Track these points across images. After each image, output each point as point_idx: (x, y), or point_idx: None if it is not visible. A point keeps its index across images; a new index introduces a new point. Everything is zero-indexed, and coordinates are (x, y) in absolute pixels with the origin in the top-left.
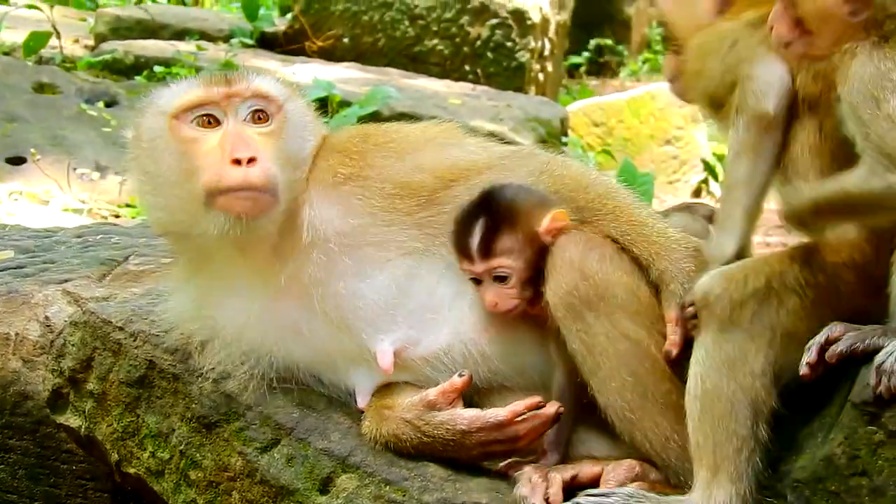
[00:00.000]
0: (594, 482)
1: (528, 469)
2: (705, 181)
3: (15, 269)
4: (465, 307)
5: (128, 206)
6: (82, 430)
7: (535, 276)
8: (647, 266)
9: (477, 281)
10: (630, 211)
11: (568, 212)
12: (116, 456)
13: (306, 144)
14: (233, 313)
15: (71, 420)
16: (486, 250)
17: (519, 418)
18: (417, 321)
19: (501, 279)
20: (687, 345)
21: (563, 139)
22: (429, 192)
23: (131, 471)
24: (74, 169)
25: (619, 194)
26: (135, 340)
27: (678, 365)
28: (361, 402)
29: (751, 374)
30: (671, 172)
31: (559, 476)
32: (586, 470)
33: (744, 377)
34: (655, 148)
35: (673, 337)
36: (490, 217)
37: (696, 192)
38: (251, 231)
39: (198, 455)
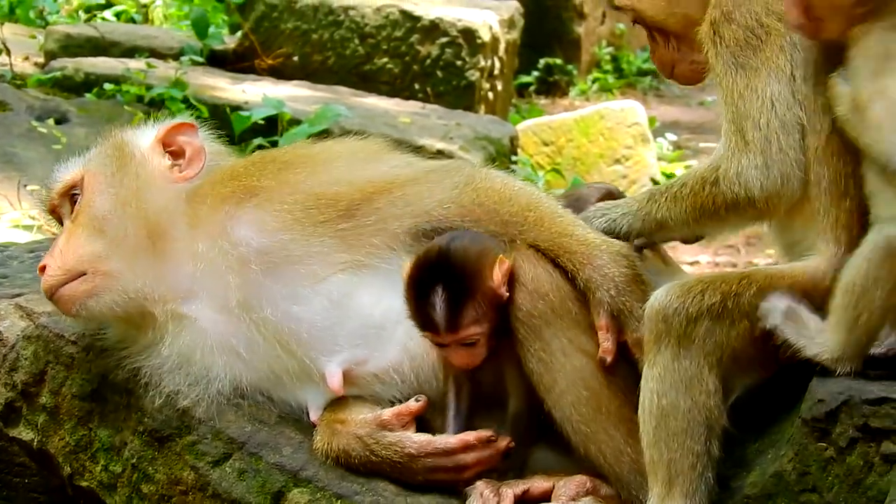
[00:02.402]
0: (545, 497)
1: (479, 484)
2: None
3: None
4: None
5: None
6: (35, 443)
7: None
8: (573, 275)
9: (438, 344)
10: (552, 221)
11: (494, 229)
12: (69, 469)
13: (121, 191)
14: (181, 336)
15: (24, 433)
16: (454, 325)
17: (469, 448)
18: (362, 339)
19: (469, 344)
20: (620, 352)
21: (513, 158)
22: (348, 204)
23: (84, 484)
24: (25, 186)
25: (540, 204)
26: (87, 355)
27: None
28: (314, 415)
29: (705, 391)
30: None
31: (511, 491)
32: (538, 485)
33: (699, 394)
34: (605, 167)
35: (606, 344)
36: (451, 287)
37: None
38: (100, 314)
39: (150, 469)
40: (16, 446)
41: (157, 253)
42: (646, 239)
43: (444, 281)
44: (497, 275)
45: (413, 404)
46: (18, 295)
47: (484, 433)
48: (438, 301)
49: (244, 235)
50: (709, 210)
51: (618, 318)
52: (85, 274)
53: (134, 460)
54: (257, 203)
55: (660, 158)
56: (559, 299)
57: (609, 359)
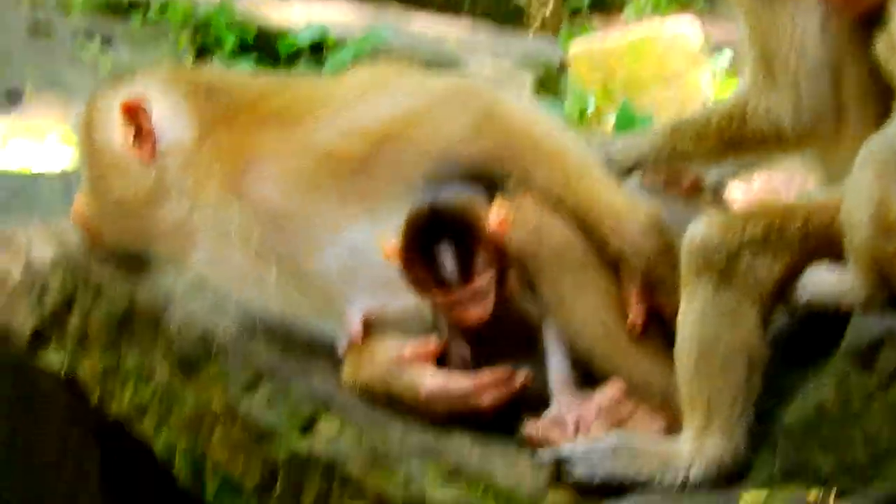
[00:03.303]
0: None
1: (537, 424)
2: None
3: None
4: None
5: None
6: (64, 369)
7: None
8: (603, 242)
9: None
10: (579, 179)
11: (513, 172)
12: (98, 396)
13: (95, 164)
14: (217, 262)
15: (52, 360)
16: (466, 275)
17: (485, 389)
18: (382, 284)
19: (482, 294)
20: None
21: (563, 80)
22: (357, 159)
23: (113, 411)
24: (70, 108)
25: (569, 154)
26: (116, 280)
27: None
28: (340, 349)
29: (746, 326)
30: (672, 115)
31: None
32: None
33: (739, 329)
34: (657, 90)
35: (636, 315)
36: (453, 241)
37: None
38: (116, 252)
39: (179, 396)
40: (45, 373)
41: (147, 219)
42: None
43: (445, 235)
44: (493, 220)
45: (430, 343)
46: (50, 221)
47: (500, 372)
48: (444, 257)
49: (251, 200)
50: (737, 146)
51: (648, 286)
52: (89, 228)
53: (163, 387)
54: (260, 167)
55: (713, 80)
56: (564, 240)
57: (639, 326)
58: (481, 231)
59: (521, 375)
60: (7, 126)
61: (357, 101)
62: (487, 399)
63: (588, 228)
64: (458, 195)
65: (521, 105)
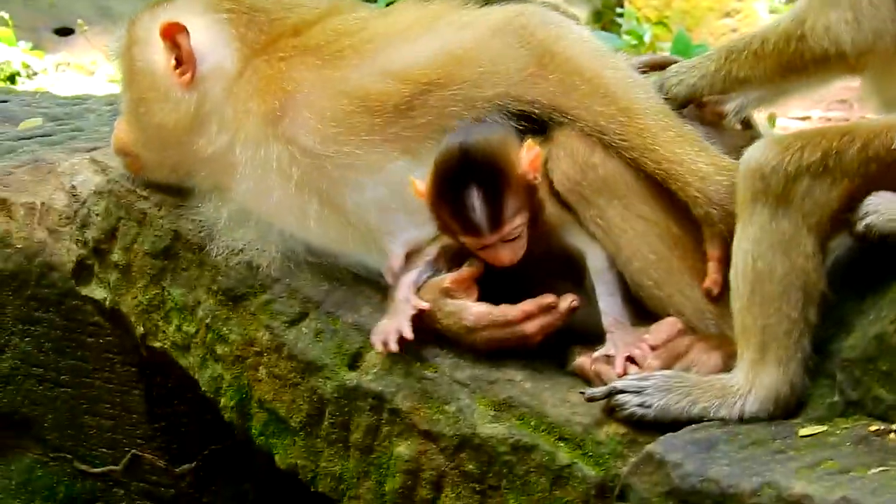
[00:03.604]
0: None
1: (582, 360)
2: None
3: (42, 136)
4: None
5: None
6: (107, 302)
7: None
8: (689, 206)
9: (480, 248)
10: (661, 137)
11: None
12: (142, 329)
13: (136, 88)
14: (258, 196)
15: (96, 292)
16: (497, 222)
17: (530, 317)
18: (423, 223)
19: (512, 238)
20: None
21: (619, 10)
22: (397, 103)
23: (157, 345)
24: None
25: (646, 107)
26: (159, 210)
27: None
28: (390, 279)
29: (803, 253)
30: None
31: (620, 358)
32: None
33: (796, 257)
34: (713, 20)
35: (715, 276)
36: (484, 185)
37: None
38: (157, 182)
39: (224, 329)
40: (89, 305)
41: (188, 147)
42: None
43: (475, 180)
44: (525, 160)
45: (467, 269)
46: (94, 149)
47: (545, 299)
48: (475, 201)
49: (291, 139)
50: (796, 67)
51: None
52: (130, 155)
53: (208, 320)
54: (300, 107)
55: (771, 12)
56: (610, 169)
57: (716, 290)
58: (513, 174)
59: (567, 301)
60: (57, 60)
61: (403, 40)
62: (533, 327)
63: (674, 191)
64: (489, 135)
65: (588, 42)
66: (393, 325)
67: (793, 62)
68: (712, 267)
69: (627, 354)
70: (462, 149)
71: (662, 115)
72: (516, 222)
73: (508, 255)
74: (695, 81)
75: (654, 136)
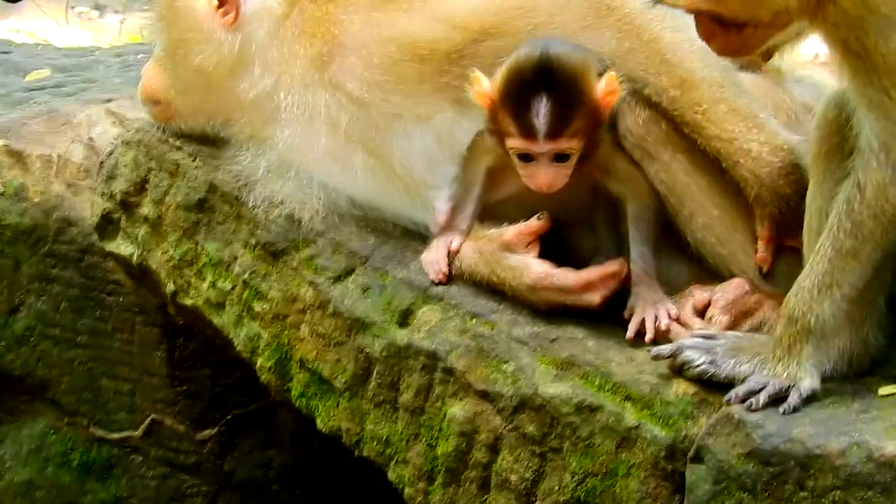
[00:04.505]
0: (706, 307)
1: (639, 311)
2: None
3: (53, 87)
4: None
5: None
6: (134, 258)
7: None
8: (741, 186)
9: (524, 157)
10: (715, 108)
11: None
12: (172, 286)
13: (173, 30)
14: (301, 144)
15: (122, 248)
16: (556, 131)
17: (591, 287)
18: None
19: (561, 159)
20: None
21: None
22: (448, 51)
23: (189, 303)
24: (73, 7)
25: (704, 75)
26: (194, 160)
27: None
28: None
29: None
30: None
31: (669, 311)
32: (698, 296)
33: None
34: None
35: (763, 255)
36: (559, 92)
37: None
38: (190, 131)
39: (263, 285)
40: (112, 262)
41: (228, 91)
42: None
43: (549, 84)
44: (601, 88)
45: (534, 222)
46: (110, 100)
47: (608, 269)
48: (543, 103)
49: (338, 84)
50: None
51: (783, 226)
52: (161, 103)
53: (245, 276)
54: (348, 52)
55: None
56: (675, 126)
57: (766, 267)
58: (586, 94)
59: (620, 265)
60: (8, 27)
61: None
62: (595, 296)
63: (726, 167)
64: (573, 51)
65: (664, 19)
66: (431, 256)
67: None
68: (761, 246)
69: (692, 310)
70: (544, 53)
71: (717, 87)
72: (574, 142)
73: (551, 176)
74: None
75: (706, 111)
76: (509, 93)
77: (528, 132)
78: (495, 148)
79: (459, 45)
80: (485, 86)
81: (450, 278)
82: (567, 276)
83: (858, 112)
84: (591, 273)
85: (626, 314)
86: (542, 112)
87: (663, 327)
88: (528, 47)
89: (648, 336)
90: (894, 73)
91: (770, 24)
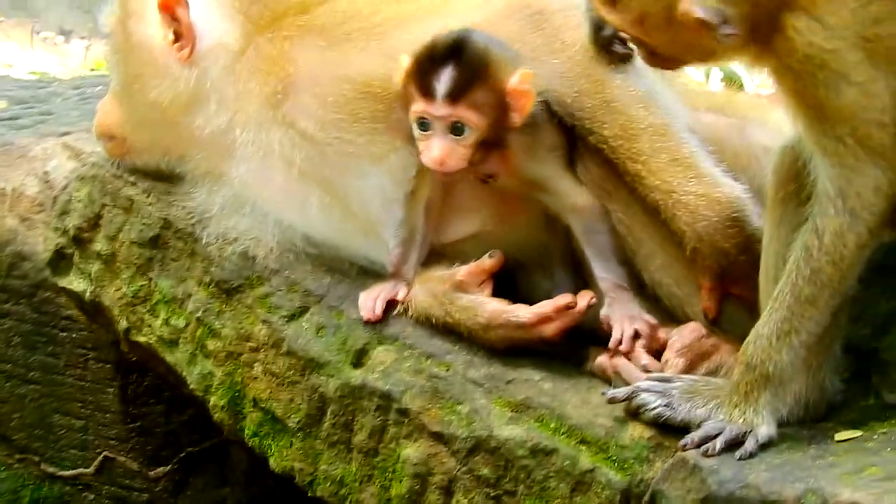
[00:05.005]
0: (663, 348)
1: (601, 360)
2: None
3: (9, 119)
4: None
5: (92, 71)
6: (87, 294)
7: (490, 142)
8: (680, 237)
9: (423, 126)
10: (652, 163)
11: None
12: (125, 323)
13: (129, 66)
14: (257, 181)
15: (75, 283)
16: (455, 94)
17: (546, 321)
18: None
19: (458, 132)
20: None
21: None
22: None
23: (141, 340)
24: (38, 32)
25: (646, 127)
26: (148, 197)
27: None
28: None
29: None
30: None
31: (643, 358)
32: (660, 336)
33: None
34: None
35: (707, 303)
36: (464, 61)
37: None
38: (144, 167)
39: (217, 323)
40: (65, 297)
41: (183, 126)
42: None
43: (456, 54)
44: (517, 80)
45: (486, 261)
46: (66, 133)
47: (562, 301)
48: (446, 68)
49: (294, 123)
50: None
51: (726, 279)
52: (116, 138)
53: (199, 314)
54: (304, 91)
55: None
56: None
57: (711, 315)
58: (495, 77)
59: (586, 299)
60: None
61: (413, 21)
62: (550, 330)
63: (664, 218)
64: (493, 41)
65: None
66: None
67: None
68: (704, 295)
69: (635, 330)
70: (463, 33)
71: (660, 136)
72: (472, 114)
73: (446, 150)
74: None
75: (647, 161)
76: (419, 59)
77: (427, 91)
78: (423, 177)
79: None
80: (405, 63)
81: (382, 320)
82: (521, 311)
83: (814, 158)
84: (544, 306)
85: (602, 324)
86: (443, 74)
87: (642, 341)
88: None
89: (624, 347)
90: (848, 122)
91: (701, 61)
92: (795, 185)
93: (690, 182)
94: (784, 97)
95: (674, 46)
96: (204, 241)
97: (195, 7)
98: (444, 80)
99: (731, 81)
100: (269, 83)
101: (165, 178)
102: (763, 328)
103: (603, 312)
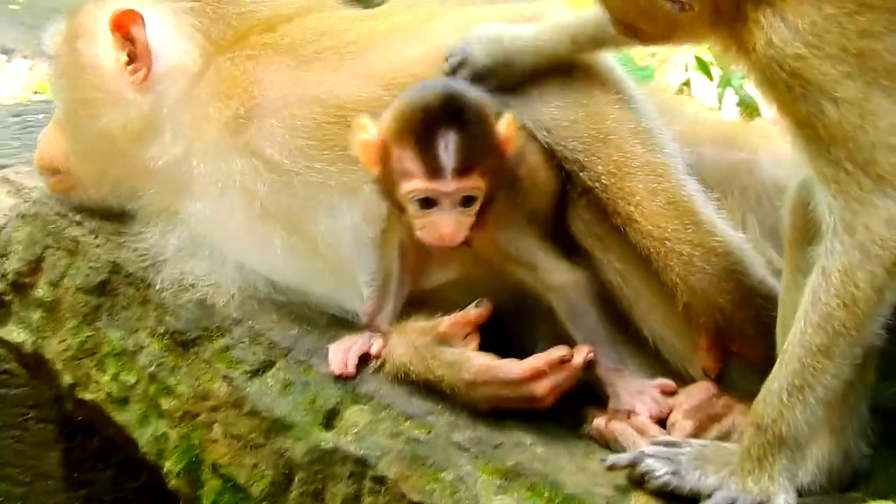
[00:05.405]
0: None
1: (598, 422)
2: (687, 82)
3: None
4: None
5: (36, 94)
6: (27, 346)
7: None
8: (672, 290)
9: (425, 203)
10: (646, 206)
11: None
12: (70, 379)
13: (75, 91)
14: (215, 218)
15: (13, 334)
16: (466, 167)
17: (539, 376)
18: None
19: (467, 202)
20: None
21: None
22: (379, 110)
23: (88, 397)
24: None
25: (643, 165)
26: (96, 238)
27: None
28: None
29: None
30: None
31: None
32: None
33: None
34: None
35: (707, 363)
36: (466, 126)
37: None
38: (92, 204)
39: (172, 379)
40: (3, 349)
41: (135, 158)
42: None
43: (455, 116)
44: (504, 127)
45: (472, 311)
46: (4, 167)
47: (555, 354)
48: (451, 136)
49: (257, 150)
50: None
51: (725, 335)
52: (60, 172)
53: (151, 368)
54: (268, 114)
55: None
56: None
57: (713, 375)
58: (490, 129)
59: (582, 354)
60: None
61: (389, 42)
62: (543, 388)
63: (656, 270)
64: (471, 89)
65: (597, 63)
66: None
67: None
68: (703, 355)
69: (654, 412)
70: (446, 87)
71: (657, 177)
72: (482, 182)
73: (455, 224)
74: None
75: (640, 203)
76: (408, 127)
77: (435, 169)
78: (396, 217)
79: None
80: (371, 130)
81: (355, 376)
82: (510, 367)
83: (815, 188)
84: (536, 360)
85: (591, 430)
86: (450, 145)
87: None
88: (422, 85)
89: (651, 431)
90: (842, 145)
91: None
92: (814, 227)
93: (687, 230)
94: (773, 110)
95: (633, 13)
96: (157, 288)
97: (151, 26)
98: (451, 152)
99: (747, 108)
100: (231, 107)
101: (115, 216)
102: (773, 384)
103: (611, 406)
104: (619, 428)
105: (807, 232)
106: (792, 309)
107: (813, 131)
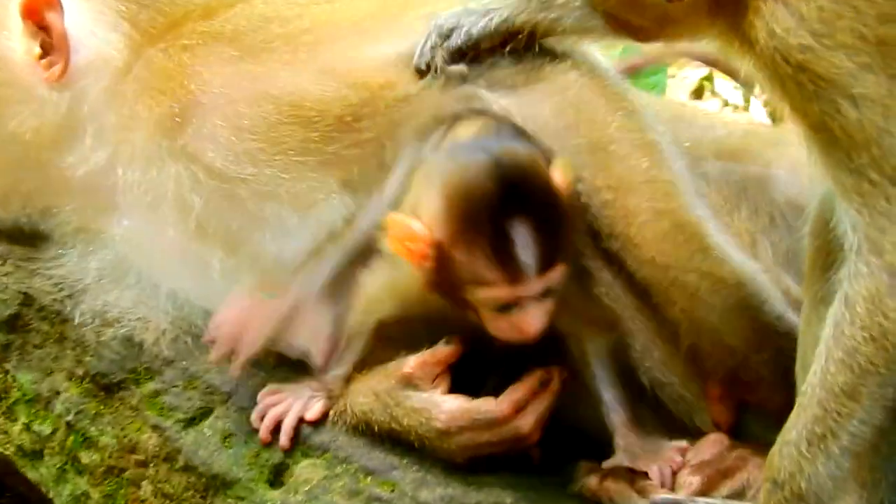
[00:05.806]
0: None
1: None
2: (709, 77)
3: None
4: None
5: None
6: None
7: None
8: (675, 328)
9: (506, 307)
10: (647, 230)
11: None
12: None
13: (14, 75)
14: (144, 238)
15: None
16: (549, 261)
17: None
18: None
19: (550, 293)
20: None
21: None
22: (341, 114)
23: None
24: None
25: (645, 181)
26: (3, 264)
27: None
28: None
29: None
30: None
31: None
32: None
33: None
34: None
35: (719, 416)
36: (537, 210)
37: (698, 92)
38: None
39: (93, 429)
40: None
41: (50, 167)
42: None
43: (521, 207)
44: (561, 178)
45: (442, 349)
46: None
47: (534, 380)
48: (525, 233)
49: (194, 155)
50: None
51: (737, 384)
52: None
53: (69, 417)
54: (206, 112)
55: None
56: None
57: (724, 427)
58: (556, 195)
59: (557, 372)
60: None
61: (355, 33)
62: (528, 422)
63: (661, 309)
64: (520, 144)
65: (596, 68)
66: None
67: None
68: (712, 404)
69: (665, 469)
70: (499, 162)
71: (664, 195)
72: (563, 266)
73: (541, 319)
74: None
75: (642, 225)
76: (474, 229)
77: (516, 274)
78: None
79: (357, 104)
80: (418, 230)
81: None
82: (489, 406)
83: (836, 204)
84: (515, 392)
85: (583, 487)
86: (529, 241)
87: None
88: (466, 160)
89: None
90: (865, 150)
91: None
92: (837, 249)
93: (695, 257)
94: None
95: (617, 4)
96: (76, 322)
97: (69, 13)
98: (532, 250)
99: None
100: (163, 104)
101: (25, 238)
102: (791, 433)
103: (590, 481)
104: (615, 488)
105: (829, 255)
106: (813, 345)
107: (830, 135)
